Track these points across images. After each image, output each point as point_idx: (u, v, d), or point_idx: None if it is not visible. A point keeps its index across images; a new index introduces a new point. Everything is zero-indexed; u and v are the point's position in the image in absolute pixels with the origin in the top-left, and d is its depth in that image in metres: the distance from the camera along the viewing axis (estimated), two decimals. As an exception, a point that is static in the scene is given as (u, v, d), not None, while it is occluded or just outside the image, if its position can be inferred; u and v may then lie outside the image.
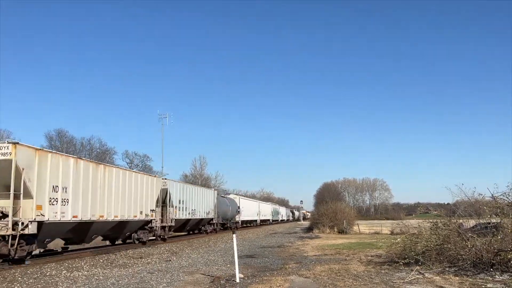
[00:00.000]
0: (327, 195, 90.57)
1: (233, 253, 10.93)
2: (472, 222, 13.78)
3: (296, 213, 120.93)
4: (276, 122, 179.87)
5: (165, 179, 25.98)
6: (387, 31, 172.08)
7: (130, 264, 14.10)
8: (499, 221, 12.20)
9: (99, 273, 11.99)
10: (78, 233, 16.32)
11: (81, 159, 16.32)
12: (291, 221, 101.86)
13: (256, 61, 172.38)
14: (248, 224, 54.42)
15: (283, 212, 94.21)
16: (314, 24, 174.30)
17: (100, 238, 19.27)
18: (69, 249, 17.29)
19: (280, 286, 9.53)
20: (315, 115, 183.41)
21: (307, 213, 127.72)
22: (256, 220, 58.33)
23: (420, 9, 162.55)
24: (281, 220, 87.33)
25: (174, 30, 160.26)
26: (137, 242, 21.19)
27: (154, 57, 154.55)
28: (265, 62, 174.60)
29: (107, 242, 20.89)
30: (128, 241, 21.26)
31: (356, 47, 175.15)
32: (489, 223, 12.83)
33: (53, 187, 13.85)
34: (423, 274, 10.79)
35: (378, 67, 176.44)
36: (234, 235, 11.30)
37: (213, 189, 37.44)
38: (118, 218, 18.18)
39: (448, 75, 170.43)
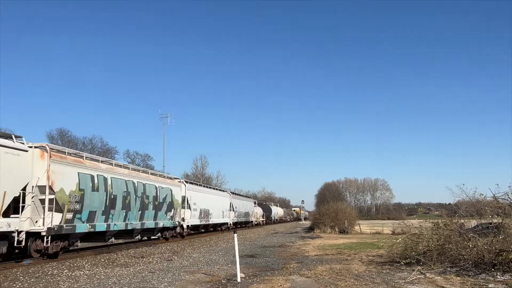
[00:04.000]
0: (329, 195, 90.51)
1: (234, 252, 10.93)
2: (473, 222, 13.77)
3: (277, 210, 77.78)
4: (277, 122, 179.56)
5: None
6: (388, 30, 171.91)
7: (131, 264, 14.12)
8: (500, 221, 12.19)
9: (101, 272, 12.01)
10: None
11: None
12: (261, 224, 57.84)
13: (257, 60, 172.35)
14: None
15: (233, 204, 40.87)
16: (316, 23, 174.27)
17: None
18: (70, 249, 17.31)
19: (281, 286, 9.53)
20: (316, 115, 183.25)
21: (302, 212, 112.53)
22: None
23: (421, 9, 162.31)
24: (220, 227, 37.55)
25: (175, 29, 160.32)
26: None
27: (156, 57, 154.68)
28: (266, 62, 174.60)
29: None
30: None
31: (356, 46, 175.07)
32: (491, 223, 12.82)
33: None
34: (424, 274, 10.78)
35: (379, 68, 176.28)
36: (235, 235, 11.31)
37: None
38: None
39: (449, 74, 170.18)
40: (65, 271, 12.09)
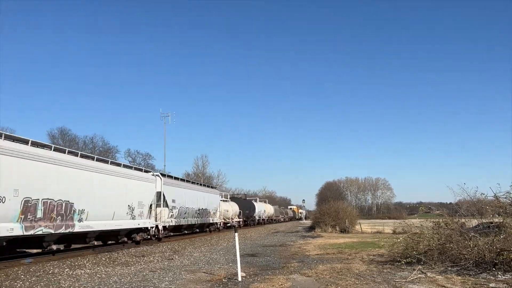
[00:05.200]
0: (330, 194, 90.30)
1: (235, 251, 10.95)
2: (474, 222, 13.77)
3: (264, 208, 60.73)
4: (278, 121, 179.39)
5: None
6: (390, 28, 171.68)
7: (132, 263, 14.14)
8: (501, 220, 12.19)
9: (102, 271, 12.03)
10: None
11: None
12: (236, 226, 35.94)
13: (258, 60, 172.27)
14: None
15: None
16: (317, 22, 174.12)
17: None
18: (71, 248, 17.32)
19: (282, 285, 9.54)
20: (318, 114, 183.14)
21: (301, 211, 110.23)
22: None
23: (423, 7, 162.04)
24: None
25: (177, 29, 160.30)
26: None
27: (157, 56, 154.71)
28: (267, 61, 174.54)
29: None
30: None
31: (357, 45, 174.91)
32: (492, 223, 12.82)
33: None
34: (425, 273, 10.78)
35: (380, 66, 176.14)
36: (236, 234, 11.31)
37: None
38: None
39: (451, 74, 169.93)
40: (66, 270, 12.11)
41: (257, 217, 54.25)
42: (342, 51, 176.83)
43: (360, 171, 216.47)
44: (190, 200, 28.51)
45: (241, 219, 44.95)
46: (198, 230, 32.16)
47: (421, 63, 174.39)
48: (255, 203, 55.09)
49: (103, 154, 60.06)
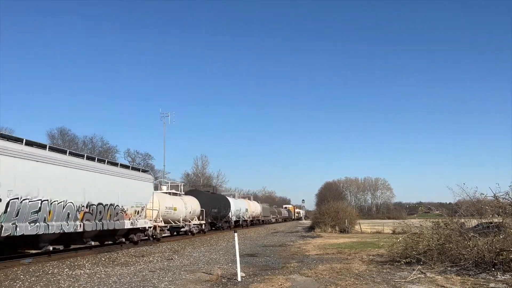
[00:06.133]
0: (329, 194, 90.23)
1: (235, 251, 10.95)
2: (474, 222, 13.79)
3: (246, 206, 47.07)
4: (278, 121, 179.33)
5: None
6: (389, 28, 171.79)
7: (132, 263, 14.14)
8: (501, 220, 12.20)
9: (101, 271, 12.02)
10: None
11: None
12: (193, 233, 28.35)
13: (258, 60, 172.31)
14: None
15: None
16: (316, 22, 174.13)
17: None
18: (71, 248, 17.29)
19: (281, 285, 9.55)
20: (317, 114, 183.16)
21: (298, 211, 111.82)
22: None
23: (423, 7, 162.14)
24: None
25: (177, 28, 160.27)
26: None
27: (157, 56, 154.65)
28: (267, 61, 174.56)
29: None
30: None
31: (357, 45, 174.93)
32: (491, 223, 12.84)
33: None
34: (424, 273, 10.79)
35: (380, 66, 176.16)
36: (235, 234, 11.32)
37: None
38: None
39: (451, 73, 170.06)
40: (65, 270, 12.10)
41: (233, 218, 40.94)
42: (342, 51, 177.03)
43: (360, 171, 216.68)
44: (63, 186, 14.82)
45: (204, 222, 31.04)
46: (92, 243, 17.32)
47: (421, 63, 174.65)
48: (231, 200, 41.26)
49: (103, 154, 60.04)
